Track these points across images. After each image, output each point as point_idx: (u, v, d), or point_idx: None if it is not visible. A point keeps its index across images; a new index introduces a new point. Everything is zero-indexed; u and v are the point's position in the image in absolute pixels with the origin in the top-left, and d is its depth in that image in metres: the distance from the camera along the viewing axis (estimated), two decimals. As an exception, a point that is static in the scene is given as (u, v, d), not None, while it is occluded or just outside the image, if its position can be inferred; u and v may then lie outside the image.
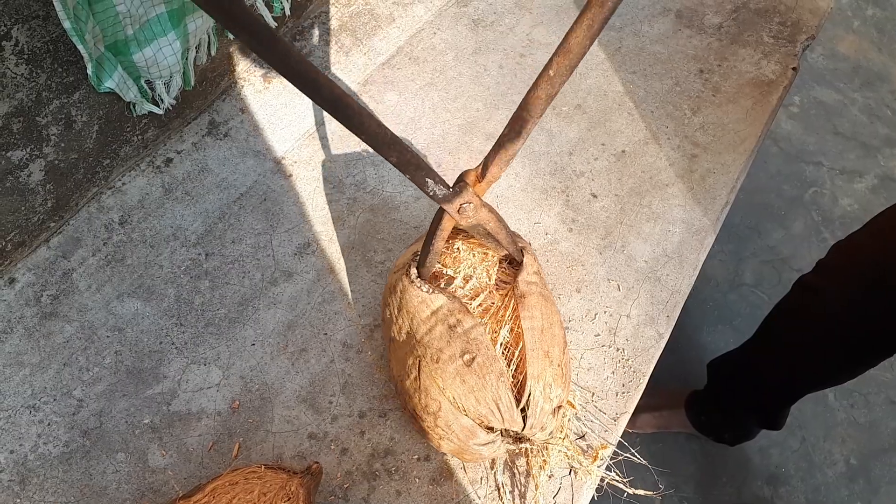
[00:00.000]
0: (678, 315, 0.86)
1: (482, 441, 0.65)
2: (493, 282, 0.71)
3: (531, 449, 0.70)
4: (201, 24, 0.85)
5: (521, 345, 0.66)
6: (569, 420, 0.72)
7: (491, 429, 0.65)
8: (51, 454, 0.72)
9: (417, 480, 0.73)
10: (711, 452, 1.62)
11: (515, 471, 0.73)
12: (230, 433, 0.74)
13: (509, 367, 0.66)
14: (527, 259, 0.70)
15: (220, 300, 0.82)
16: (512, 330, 0.67)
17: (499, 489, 0.72)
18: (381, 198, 0.93)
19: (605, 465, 0.74)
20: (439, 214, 0.64)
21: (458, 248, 0.73)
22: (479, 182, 0.62)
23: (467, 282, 0.71)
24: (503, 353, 0.67)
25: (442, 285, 0.71)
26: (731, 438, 1.54)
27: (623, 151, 1.00)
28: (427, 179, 0.58)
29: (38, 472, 0.71)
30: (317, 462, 0.67)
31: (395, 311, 0.69)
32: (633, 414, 1.62)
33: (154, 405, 0.75)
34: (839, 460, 1.65)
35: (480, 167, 0.62)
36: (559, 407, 0.66)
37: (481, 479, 0.73)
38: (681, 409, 1.58)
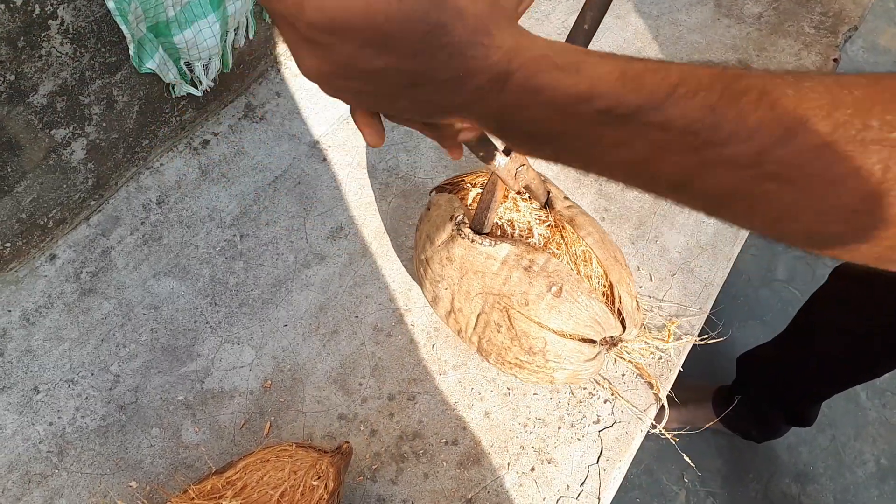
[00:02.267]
0: (710, 307, 0.86)
1: (590, 356, 0.69)
2: (532, 222, 0.74)
3: (623, 349, 0.77)
4: (240, 6, 0.86)
5: (585, 263, 0.70)
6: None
7: (592, 341, 0.70)
8: (88, 427, 0.73)
9: (445, 464, 0.73)
10: (739, 448, 1.61)
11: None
12: (262, 412, 0.75)
13: (598, 279, 0.71)
14: (553, 190, 0.74)
15: (253, 281, 0.84)
16: (560, 256, 0.71)
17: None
18: (413, 183, 0.93)
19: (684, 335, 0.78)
20: (493, 181, 0.66)
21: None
22: None
23: (512, 228, 0.73)
24: (597, 263, 0.71)
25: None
26: (759, 435, 1.52)
27: (658, 141, 0.99)
28: (495, 152, 0.59)
29: (76, 444, 0.72)
30: (347, 442, 0.68)
31: (457, 279, 0.70)
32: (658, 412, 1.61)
33: (188, 382, 0.77)
34: (869, 460, 1.62)
35: None
36: (637, 299, 0.72)
37: (508, 464, 0.73)
38: (708, 404, 1.56)
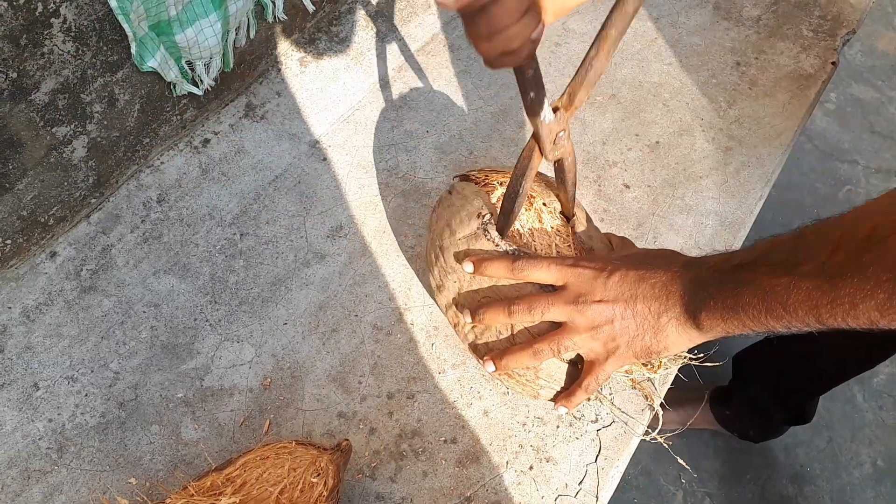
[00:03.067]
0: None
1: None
2: (554, 240, 0.73)
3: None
4: (242, 6, 0.86)
5: None
6: None
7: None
8: (87, 424, 0.74)
9: (444, 462, 0.73)
10: (736, 449, 1.61)
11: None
12: (261, 409, 0.75)
13: None
14: (579, 214, 0.73)
15: (253, 279, 0.84)
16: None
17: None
18: (413, 183, 0.93)
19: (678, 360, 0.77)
20: (528, 152, 0.62)
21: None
22: (567, 110, 0.59)
23: (532, 239, 0.72)
24: None
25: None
26: (757, 435, 1.53)
27: (657, 142, 0.99)
28: (544, 100, 0.54)
29: (76, 441, 0.73)
30: (346, 439, 0.68)
31: (468, 275, 0.70)
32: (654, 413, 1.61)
33: (188, 380, 0.77)
34: (866, 461, 1.63)
35: (564, 95, 0.59)
36: None
37: (507, 462, 0.74)
38: (705, 404, 1.57)
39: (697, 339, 0.61)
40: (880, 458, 1.63)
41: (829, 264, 0.49)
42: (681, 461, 0.86)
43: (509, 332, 0.68)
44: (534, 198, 0.73)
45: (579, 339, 0.64)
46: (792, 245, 0.53)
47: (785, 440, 1.61)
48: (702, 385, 1.60)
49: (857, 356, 1.22)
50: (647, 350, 0.62)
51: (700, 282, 0.58)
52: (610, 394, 0.78)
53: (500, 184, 0.74)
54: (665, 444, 0.74)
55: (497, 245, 0.69)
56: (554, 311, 0.65)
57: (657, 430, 0.75)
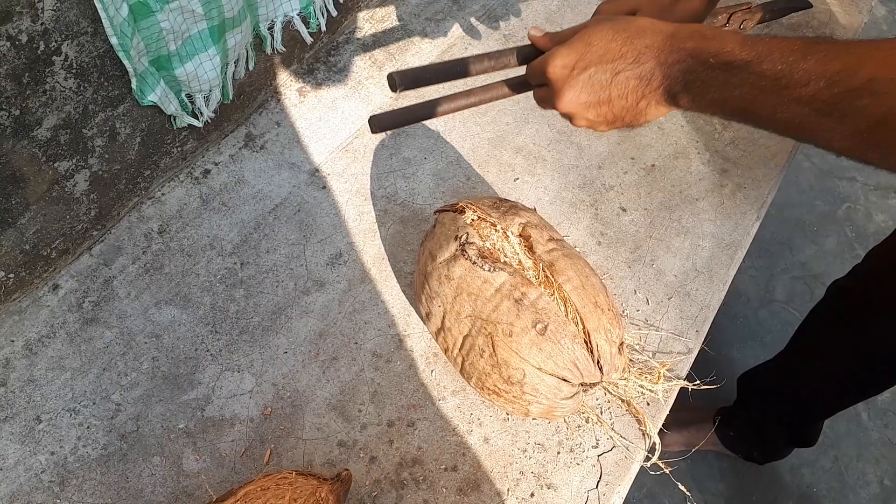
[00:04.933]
0: (707, 330, 0.86)
1: (567, 395, 0.70)
2: (520, 256, 0.75)
3: (608, 387, 0.77)
4: (240, 39, 0.88)
5: (570, 304, 0.70)
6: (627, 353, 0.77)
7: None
8: (89, 456, 0.74)
9: (444, 490, 0.73)
10: (742, 470, 1.60)
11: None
12: (262, 439, 0.75)
13: (579, 325, 0.70)
14: (534, 233, 0.75)
15: (254, 308, 0.84)
16: (552, 294, 0.71)
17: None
18: (412, 210, 0.94)
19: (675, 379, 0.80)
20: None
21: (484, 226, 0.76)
22: None
23: (505, 256, 0.74)
24: (574, 311, 0.71)
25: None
26: (761, 456, 1.52)
27: (653, 165, 1.00)
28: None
29: (78, 474, 0.73)
30: (346, 469, 0.68)
31: (451, 298, 0.72)
32: (659, 431, 1.61)
33: (189, 410, 0.77)
34: (873, 481, 1.62)
35: None
36: (621, 344, 0.72)
37: (508, 490, 0.73)
38: (709, 425, 1.56)
39: (669, 110, 0.62)
40: (887, 477, 1.62)
41: (819, 98, 0.49)
42: (682, 488, 0.86)
43: (490, 350, 0.69)
44: (495, 225, 0.75)
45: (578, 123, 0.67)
46: (791, 58, 0.51)
47: (790, 460, 1.60)
48: (705, 406, 1.60)
49: (865, 380, 1.21)
50: (623, 123, 0.64)
51: (687, 69, 0.57)
52: (610, 419, 0.78)
53: (469, 206, 0.77)
54: (666, 471, 0.74)
55: (475, 263, 0.71)
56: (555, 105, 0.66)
57: (659, 454, 0.75)
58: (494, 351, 0.69)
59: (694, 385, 0.78)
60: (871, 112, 0.47)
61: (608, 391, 0.78)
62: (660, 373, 0.78)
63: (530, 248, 0.74)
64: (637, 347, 0.83)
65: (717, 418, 1.56)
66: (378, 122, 0.69)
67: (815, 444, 1.43)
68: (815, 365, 1.26)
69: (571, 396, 0.70)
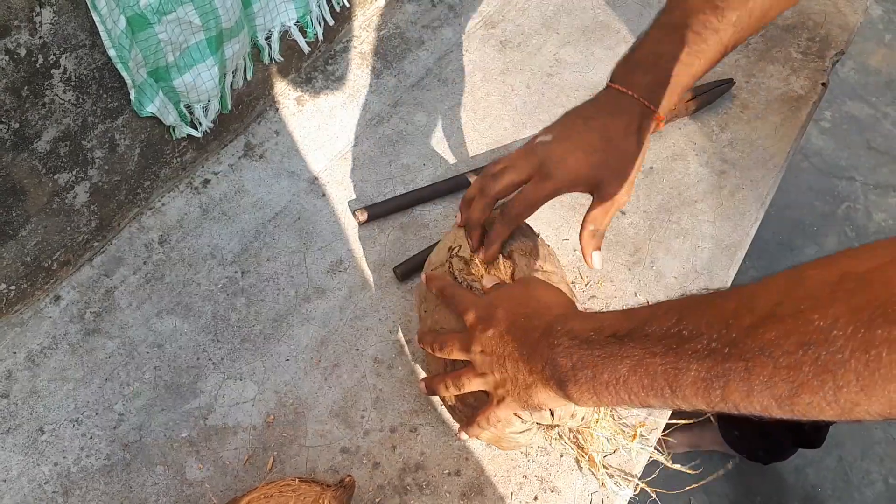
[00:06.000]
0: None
1: (518, 430, 0.67)
2: (504, 278, 0.73)
3: (572, 434, 0.72)
4: (238, 49, 0.88)
5: None
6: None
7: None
8: (93, 466, 0.74)
9: (448, 495, 0.73)
10: (746, 471, 1.60)
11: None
12: (265, 447, 0.76)
13: None
14: (518, 259, 0.73)
15: (255, 317, 0.85)
16: None
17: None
18: (411, 216, 0.94)
19: (645, 448, 0.76)
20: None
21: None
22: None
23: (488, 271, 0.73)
24: None
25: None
26: (766, 456, 1.52)
27: (651, 168, 1.00)
28: None
29: (81, 484, 0.73)
30: (350, 475, 0.68)
31: (433, 307, 0.72)
32: (663, 432, 1.61)
33: (192, 419, 0.77)
34: (877, 480, 1.62)
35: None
36: None
37: (511, 494, 0.74)
38: (713, 425, 1.56)
39: (570, 400, 0.55)
40: (892, 475, 1.62)
41: (720, 342, 0.42)
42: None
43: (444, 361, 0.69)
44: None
45: (477, 381, 0.64)
46: (676, 316, 0.46)
47: (795, 461, 1.60)
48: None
49: None
50: (529, 403, 0.59)
51: (567, 355, 0.52)
52: (602, 455, 0.74)
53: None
54: (667, 461, 0.74)
55: (455, 277, 0.72)
56: (455, 352, 0.65)
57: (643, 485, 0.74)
58: (447, 363, 0.68)
59: (668, 463, 0.74)
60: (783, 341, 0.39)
61: (573, 438, 0.73)
62: (636, 431, 0.74)
63: (512, 274, 0.72)
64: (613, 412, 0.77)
65: (720, 418, 1.56)
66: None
67: (821, 446, 1.43)
68: None
69: (522, 432, 0.67)
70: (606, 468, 0.74)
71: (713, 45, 0.69)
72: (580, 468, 0.75)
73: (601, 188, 0.70)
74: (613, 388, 0.49)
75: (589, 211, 0.73)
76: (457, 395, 0.68)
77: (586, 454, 0.73)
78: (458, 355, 0.65)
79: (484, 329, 0.61)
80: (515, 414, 0.65)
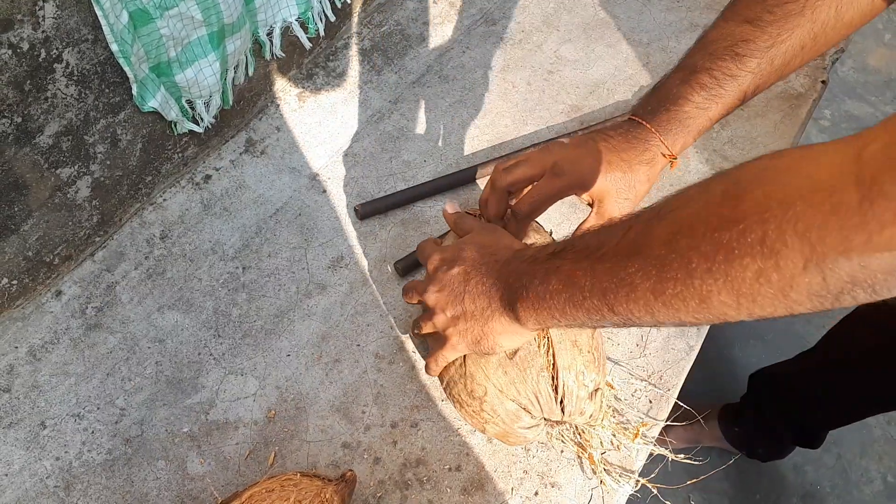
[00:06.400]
0: (708, 327, 0.87)
1: (526, 425, 0.68)
2: None
3: (578, 430, 0.73)
4: (240, 45, 0.88)
5: (547, 336, 0.68)
6: (606, 402, 0.73)
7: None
8: (94, 461, 0.74)
9: (449, 490, 0.74)
10: (745, 469, 1.61)
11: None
12: (266, 442, 0.76)
13: (549, 358, 0.68)
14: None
15: (256, 312, 0.85)
16: None
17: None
18: (412, 212, 0.94)
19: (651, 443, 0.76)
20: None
21: None
22: None
23: None
24: (547, 344, 0.69)
25: None
26: (765, 454, 1.52)
27: (651, 165, 1.00)
28: None
29: (83, 479, 0.73)
30: (351, 470, 0.69)
31: None
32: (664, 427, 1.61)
33: (193, 414, 0.78)
34: (876, 478, 1.62)
35: None
36: (596, 390, 0.69)
37: (512, 489, 0.74)
38: (713, 422, 1.56)
39: (521, 331, 0.60)
40: (890, 473, 1.62)
41: (622, 243, 0.47)
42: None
43: (461, 360, 0.70)
44: None
45: (429, 324, 0.67)
46: (602, 228, 0.51)
47: (794, 458, 1.60)
48: (710, 403, 1.60)
49: (885, 397, 1.19)
50: (478, 342, 0.63)
51: (517, 273, 0.57)
52: (600, 452, 0.75)
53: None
54: (669, 455, 0.74)
55: None
56: (415, 296, 0.69)
57: (644, 481, 0.74)
58: (465, 361, 0.69)
59: (673, 456, 0.75)
60: (665, 229, 0.44)
61: (576, 434, 0.74)
62: (638, 430, 0.75)
63: None
64: (622, 399, 0.79)
65: (721, 414, 1.56)
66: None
67: (819, 447, 1.43)
68: (838, 373, 1.25)
69: (530, 427, 0.68)
70: (605, 465, 0.74)
71: (731, 90, 0.70)
72: (581, 466, 0.75)
73: (604, 202, 0.72)
74: (546, 302, 0.53)
75: (585, 221, 0.75)
76: (480, 400, 0.69)
77: (586, 452, 0.73)
78: (415, 299, 0.69)
79: (448, 268, 0.64)
80: (524, 408, 0.66)
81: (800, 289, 0.37)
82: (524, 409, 0.67)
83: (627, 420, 0.77)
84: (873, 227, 0.32)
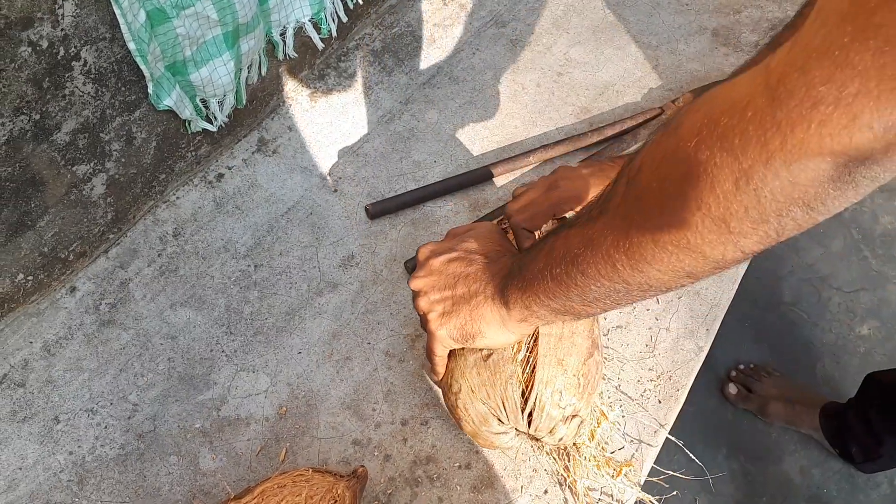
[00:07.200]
0: (717, 329, 0.87)
1: (495, 430, 0.66)
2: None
3: (560, 453, 0.72)
4: (254, 45, 0.89)
5: (535, 348, 0.65)
6: (592, 431, 0.72)
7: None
8: (107, 456, 0.75)
9: (458, 488, 0.74)
10: (752, 471, 1.60)
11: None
12: (277, 438, 0.76)
13: (528, 369, 0.65)
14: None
15: (268, 310, 0.85)
16: (536, 337, 0.66)
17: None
18: (422, 212, 0.95)
19: (633, 485, 0.74)
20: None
21: None
22: None
23: None
24: (529, 355, 0.66)
25: None
26: (858, 455, 1.50)
27: (661, 167, 1.01)
28: None
29: (96, 473, 0.74)
30: (362, 466, 0.69)
31: None
32: (765, 402, 1.59)
33: (205, 410, 0.78)
34: (883, 482, 1.62)
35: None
36: (573, 416, 0.65)
37: (521, 487, 0.74)
38: (814, 411, 1.55)
39: (507, 323, 0.59)
40: (897, 478, 1.62)
41: (595, 209, 0.48)
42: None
43: (449, 367, 0.69)
44: None
45: (415, 303, 0.67)
46: (587, 208, 0.51)
47: (800, 461, 1.60)
48: (815, 393, 1.59)
49: None
50: (462, 326, 0.62)
51: (519, 259, 0.58)
52: (583, 483, 0.74)
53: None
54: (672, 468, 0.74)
55: None
56: (411, 284, 0.68)
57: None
58: (450, 354, 0.68)
59: (651, 499, 0.73)
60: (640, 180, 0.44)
61: (562, 457, 0.73)
62: (621, 468, 0.74)
63: None
64: (605, 443, 0.75)
65: (824, 409, 1.55)
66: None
67: None
68: None
69: (499, 434, 0.67)
70: (587, 496, 0.73)
71: None
72: (561, 488, 0.74)
73: None
74: (534, 280, 0.53)
75: None
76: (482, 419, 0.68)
77: (569, 477, 0.73)
78: (410, 285, 0.69)
79: (438, 256, 0.65)
80: (495, 416, 0.65)
81: (738, 215, 0.38)
82: (493, 413, 0.65)
83: (613, 456, 0.76)
84: (785, 128, 0.33)
